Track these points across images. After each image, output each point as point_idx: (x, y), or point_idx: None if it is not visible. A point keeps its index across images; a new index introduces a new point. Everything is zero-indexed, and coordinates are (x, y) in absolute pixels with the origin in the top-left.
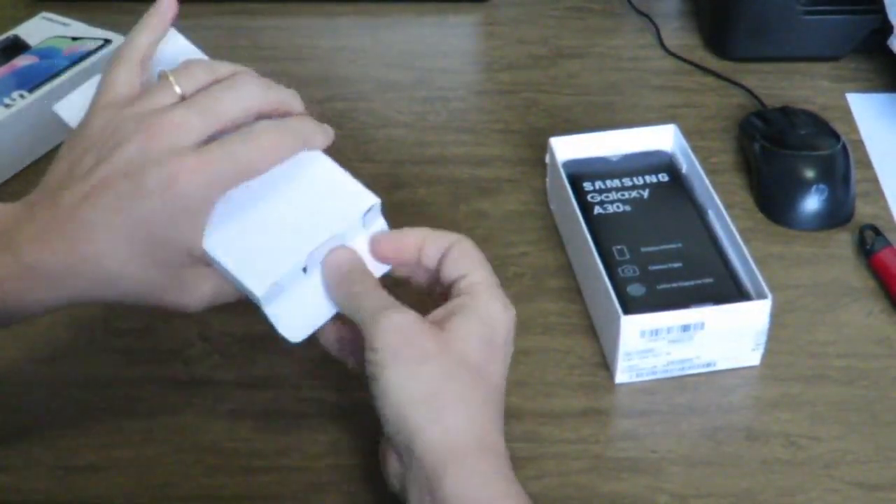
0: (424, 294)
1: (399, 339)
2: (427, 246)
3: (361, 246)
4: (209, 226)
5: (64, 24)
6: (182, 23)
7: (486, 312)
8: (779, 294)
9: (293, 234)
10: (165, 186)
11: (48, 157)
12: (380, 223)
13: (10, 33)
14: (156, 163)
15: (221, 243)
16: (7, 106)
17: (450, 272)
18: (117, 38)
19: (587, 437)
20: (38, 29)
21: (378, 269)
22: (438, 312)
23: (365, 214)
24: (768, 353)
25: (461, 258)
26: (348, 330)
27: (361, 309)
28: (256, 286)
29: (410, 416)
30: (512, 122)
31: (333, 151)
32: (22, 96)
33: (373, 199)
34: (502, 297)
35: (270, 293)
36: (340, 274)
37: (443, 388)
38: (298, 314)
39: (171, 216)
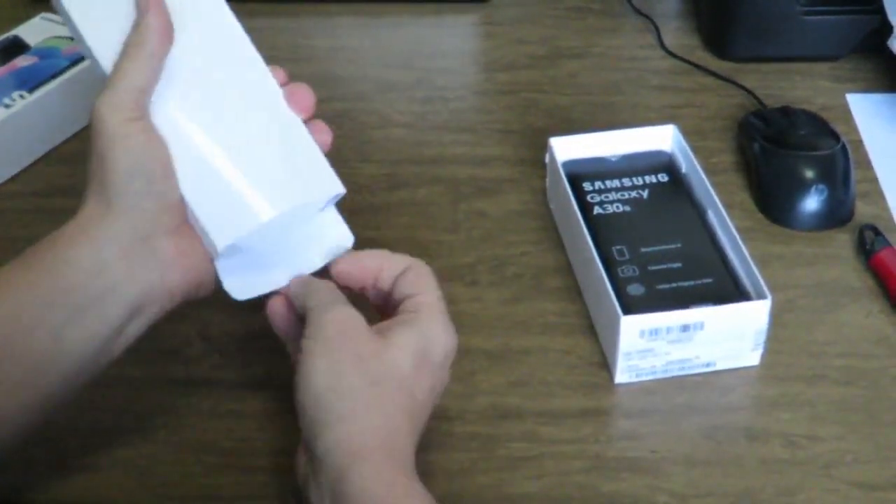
0: (375, 311)
1: (337, 334)
2: (385, 269)
3: (315, 227)
4: (182, 168)
5: (63, 25)
6: None
7: (426, 329)
8: (778, 294)
9: (261, 195)
10: None
11: (48, 156)
12: (337, 222)
13: (10, 33)
14: None
15: (195, 188)
16: (7, 106)
17: (401, 291)
18: None
19: (587, 436)
20: (38, 29)
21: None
22: (383, 324)
23: (328, 201)
24: (768, 353)
25: (416, 279)
26: (295, 311)
27: (311, 297)
28: (219, 240)
29: (325, 409)
30: (512, 122)
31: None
32: (22, 96)
33: (340, 189)
34: (446, 321)
35: (229, 250)
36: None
37: (364, 390)
38: (248, 275)
39: None
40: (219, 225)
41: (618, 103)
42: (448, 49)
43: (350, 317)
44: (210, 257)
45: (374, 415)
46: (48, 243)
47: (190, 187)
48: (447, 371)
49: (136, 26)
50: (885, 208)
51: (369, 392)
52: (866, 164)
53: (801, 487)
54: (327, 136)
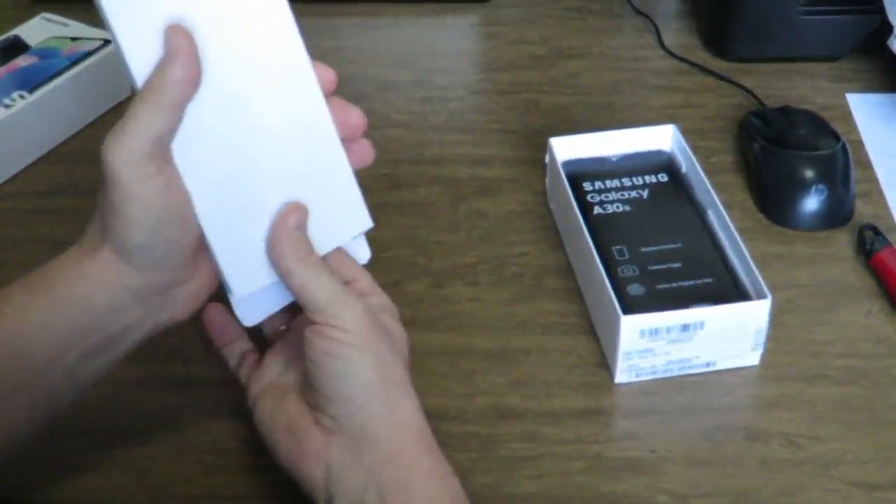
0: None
1: (370, 326)
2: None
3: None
4: (206, 208)
5: (64, 25)
6: None
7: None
8: (778, 294)
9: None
10: None
11: (48, 156)
12: (363, 246)
13: (10, 33)
14: None
15: (218, 232)
16: (7, 106)
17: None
18: None
19: (587, 436)
20: (38, 29)
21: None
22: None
23: (355, 237)
24: (768, 352)
25: (347, 260)
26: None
27: (324, 287)
28: (238, 289)
29: (379, 397)
30: (511, 122)
31: None
32: (22, 96)
33: (369, 223)
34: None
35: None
36: (300, 246)
37: (400, 379)
38: (259, 304)
39: None
40: (240, 273)
41: (618, 103)
42: (448, 49)
43: (369, 310)
44: (214, 280)
45: (411, 398)
46: (60, 277)
47: (213, 230)
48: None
49: (161, 71)
50: (885, 208)
51: (402, 381)
52: (866, 164)
53: (801, 487)
54: (368, 156)
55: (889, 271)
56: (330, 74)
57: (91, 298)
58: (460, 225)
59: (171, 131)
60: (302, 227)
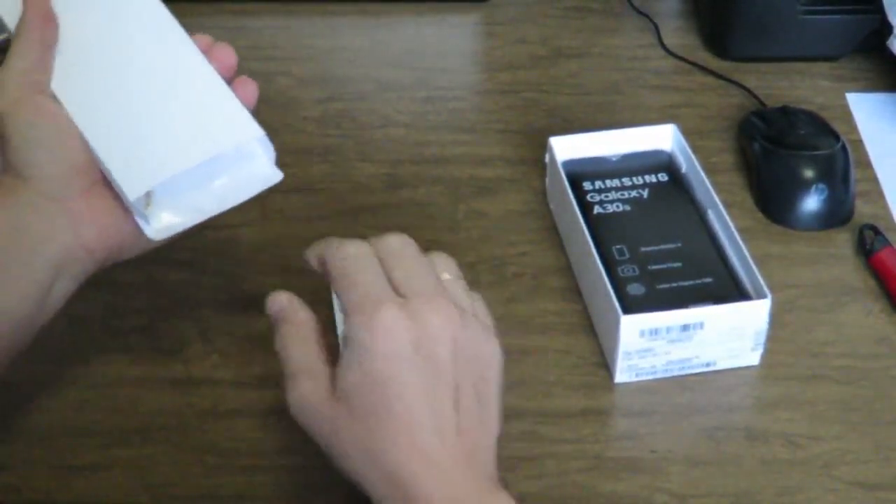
0: None
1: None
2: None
3: (241, 167)
4: (93, 128)
5: None
6: (182, 22)
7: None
8: (778, 294)
9: (174, 146)
10: None
11: None
12: (263, 163)
13: (11, 34)
14: None
15: (106, 146)
16: None
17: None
18: None
19: (587, 436)
20: None
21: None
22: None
23: (251, 145)
24: (768, 352)
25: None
26: None
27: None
28: (130, 191)
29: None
30: (512, 122)
31: (334, 151)
32: None
33: (257, 132)
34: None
35: (142, 200)
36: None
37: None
38: (169, 215)
39: None
40: (130, 177)
41: (618, 103)
42: (448, 49)
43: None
44: (128, 218)
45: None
46: None
47: (101, 145)
48: None
49: (21, 18)
50: (885, 208)
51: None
52: (866, 163)
53: (801, 487)
54: (252, 89)
55: (889, 271)
56: (203, 39)
57: None
58: (460, 225)
59: (41, 63)
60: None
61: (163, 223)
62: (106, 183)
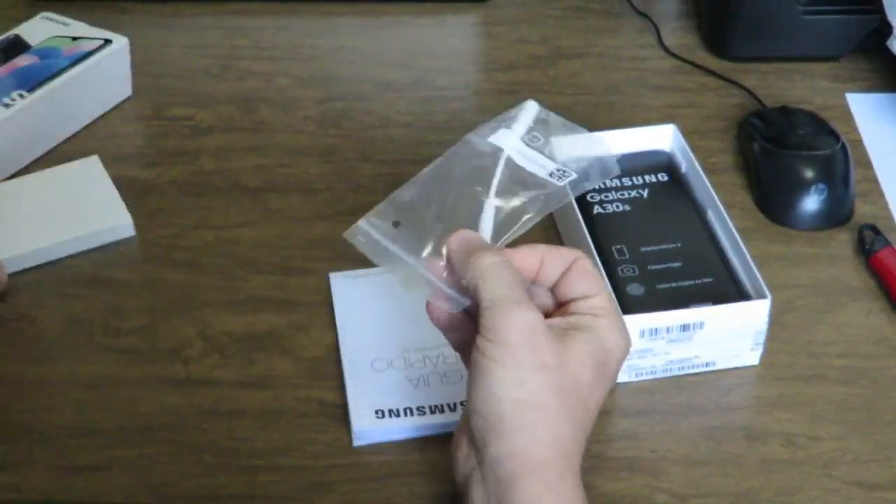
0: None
1: (521, 340)
2: (546, 264)
3: None
4: None
5: (64, 24)
6: (182, 22)
7: (606, 340)
8: (778, 294)
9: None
10: None
11: (48, 156)
12: None
13: (10, 33)
14: None
15: None
16: (7, 106)
17: (569, 291)
18: (117, 39)
19: None
20: (39, 29)
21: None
22: (558, 321)
23: None
24: (767, 352)
25: (582, 277)
26: (456, 314)
27: (487, 288)
28: None
29: (507, 418)
30: None
31: (334, 152)
32: (22, 96)
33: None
34: (622, 325)
35: None
36: (467, 246)
37: (547, 402)
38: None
39: None
40: None
41: (618, 103)
42: (448, 49)
43: (533, 322)
44: None
45: (551, 427)
46: None
47: None
48: (617, 375)
49: None
50: (885, 208)
51: (549, 404)
52: (866, 163)
53: (801, 487)
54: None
55: (889, 271)
56: None
57: None
58: None
59: None
60: (471, 241)
61: None
62: None
